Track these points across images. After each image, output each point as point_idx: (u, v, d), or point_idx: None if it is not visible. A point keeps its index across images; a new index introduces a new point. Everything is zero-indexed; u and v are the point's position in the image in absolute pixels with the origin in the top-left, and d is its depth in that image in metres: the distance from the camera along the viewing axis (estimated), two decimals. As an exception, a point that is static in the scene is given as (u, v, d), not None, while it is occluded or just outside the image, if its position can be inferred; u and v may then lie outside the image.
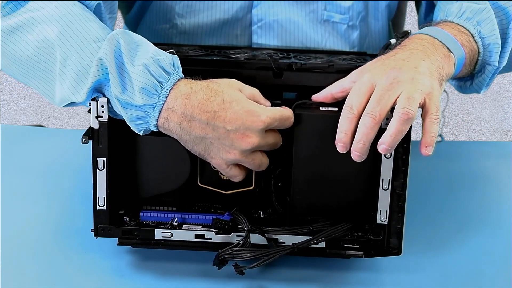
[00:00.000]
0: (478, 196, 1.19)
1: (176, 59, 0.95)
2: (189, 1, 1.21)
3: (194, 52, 1.10)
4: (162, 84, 0.92)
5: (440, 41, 0.99)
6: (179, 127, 0.93)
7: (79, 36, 0.97)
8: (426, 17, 1.25)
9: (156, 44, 1.04)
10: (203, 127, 0.92)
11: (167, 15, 1.22)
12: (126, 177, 1.01)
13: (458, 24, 1.05)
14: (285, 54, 1.09)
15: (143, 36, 0.97)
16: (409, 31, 1.02)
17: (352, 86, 0.93)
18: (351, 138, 0.90)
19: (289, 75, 1.03)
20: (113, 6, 1.15)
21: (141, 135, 0.95)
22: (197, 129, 0.92)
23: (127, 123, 0.95)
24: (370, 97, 0.90)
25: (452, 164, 1.26)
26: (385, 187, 0.96)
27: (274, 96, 1.00)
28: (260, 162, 0.96)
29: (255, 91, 0.96)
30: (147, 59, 0.93)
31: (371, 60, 0.99)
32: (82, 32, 0.97)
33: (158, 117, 0.93)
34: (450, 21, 1.05)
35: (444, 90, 1.07)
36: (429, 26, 1.04)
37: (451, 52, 0.99)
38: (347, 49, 1.22)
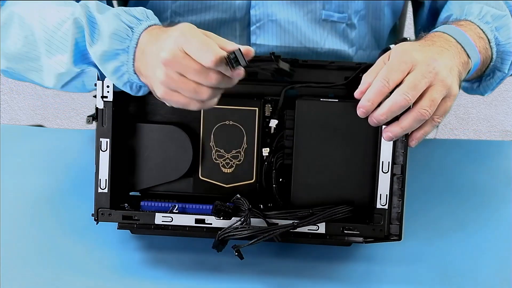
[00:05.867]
0: (479, 191, 1.19)
1: (150, 12, 0.97)
2: (186, 0, 1.21)
3: None
4: (133, 29, 0.95)
5: (462, 46, 1.01)
6: (143, 58, 0.93)
7: (57, 15, 0.99)
8: (429, 17, 1.25)
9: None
10: (156, 49, 0.90)
11: (163, 14, 1.22)
12: (127, 167, 1.01)
13: (478, 26, 1.06)
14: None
15: None
16: (408, 38, 1.03)
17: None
18: (374, 108, 0.93)
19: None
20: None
21: (133, 94, 0.97)
22: (152, 54, 0.91)
23: (110, 79, 0.96)
24: (405, 75, 0.93)
25: (452, 161, 1.26)
26: (385, 170, 0.97)
27: (276, 92, 1.01)
28: (195, 88, 0.89)
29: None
30: (118, 10, 0.97)
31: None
32: (60, 10, 1.00)
33: (133, 62, 0.94)
34: (470, 21, 1.07)
35: None
36: (449, 24, 1.05)
37: (470, 58, 1.01)
38: (345, 48, 1.22)
